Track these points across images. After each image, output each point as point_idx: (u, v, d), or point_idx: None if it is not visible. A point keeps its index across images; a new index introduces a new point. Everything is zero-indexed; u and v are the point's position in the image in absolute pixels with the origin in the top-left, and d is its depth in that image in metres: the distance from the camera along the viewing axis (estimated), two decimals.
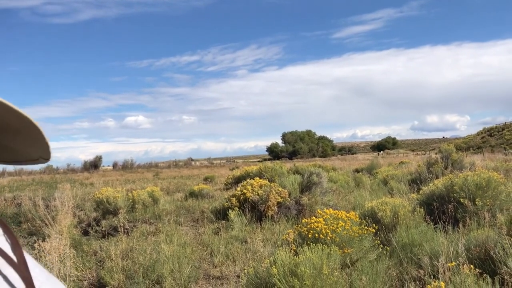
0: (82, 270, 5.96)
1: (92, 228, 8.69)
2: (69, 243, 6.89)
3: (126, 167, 47.84)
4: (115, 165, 49.21)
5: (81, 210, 11.05)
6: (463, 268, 3.83)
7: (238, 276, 5.50)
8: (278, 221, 8.60)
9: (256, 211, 9.07)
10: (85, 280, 5.71)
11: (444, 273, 3.96)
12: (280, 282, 3.99)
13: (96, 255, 6.73)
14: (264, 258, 5.21)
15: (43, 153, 0.69)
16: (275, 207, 9.00)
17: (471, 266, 3.87)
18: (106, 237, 8.05)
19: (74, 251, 6.69)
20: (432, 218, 6.31)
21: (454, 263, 4.04)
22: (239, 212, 8.87)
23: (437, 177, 10.13)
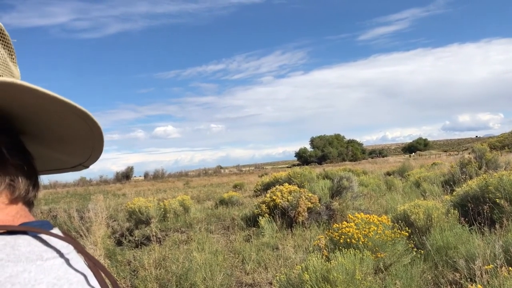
0: (117, 279, 6.05)
1: (125, 238, 8.83)
2: (103, 253, 7.02)
3: (157, 176, 48.45)
4: (146, 175, 49.89)
5: (114, 220, 11.24)
6: (502, 271, 3.72)
7: (271, 283, 5.49)
8: (309, 227, 8.54)
9: (286, 217, 9.04)
10: None
11: (482, 276, 3.86)
12: None
13: (130, 264, 6.83)
14: (296, 265, 5.19)
15: (87, 161, 0.72)
16: (306, 213, 8.95)
17: (510, 268, 3.76)
18: (139, 246, 8.16)
19: (109, 261, 6.82)
20: (467, 219, 6.16)
21: (491, 265, 3.93)
22: (270, 219, 8.85)
23: (471, 178, 9.88)
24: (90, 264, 0.59)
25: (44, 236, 0.56)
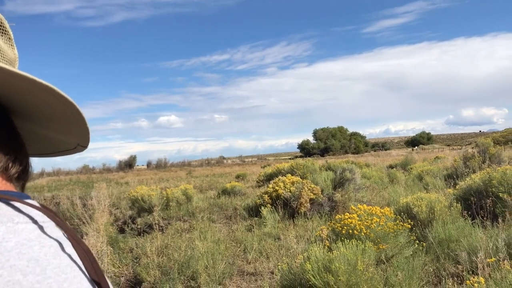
0: (119, 266, 6.09)
1: (128, 226, 8.87)
2: (106, 240, 7.04)
3: (160, 166, 48.51)
4: (149, 164, 49.98)
5: (117, 208, 11.27)
6: (504, 264, 3.72)
7: (272, 272, 5.51)
8: (311, 218, 8.55)
9: (288, 208, 9.06)
10: (122, 276, 5.83)
11: (484, 269, 3.86)
12: (314, 278, 3.98)
13: (132, 252, 6.86)
14: (298, 255, 5.20)
15: (81, 140, 0.71)
16: (308, 204, 8.96)
17: None
18: (142, 234, 8.19)
19: (111, 248, 6.84)
20: (469, 213, 6.15)
21: (494, 258, 3.93)
22: (272, 209, 8.87)
23: (474, 172, 9.86)
24: (69, 237, 0.59)
25: (16, 204, 0.57)
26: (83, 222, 7.76)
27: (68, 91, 0.55)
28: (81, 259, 0.58)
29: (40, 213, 0.59)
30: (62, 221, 0.61)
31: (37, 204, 0.61)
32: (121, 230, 8.96)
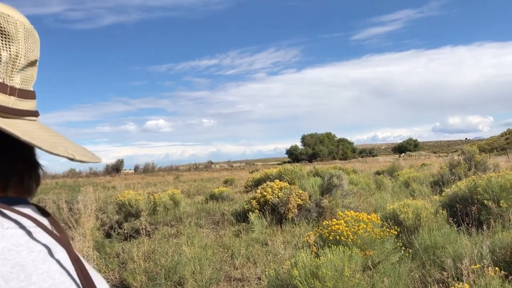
0: (105, 271, 6.04)
1: (114, 231, 8.80)
2: (92, 245, 6.99)
3: (147, 170, 48.23)
4: (136, 168, 49.66)
5: (104, 213, 11.18)
6: (488, 271, 3.77)
7: (259, 278, 5.51)
8: (298, 224, 8.57)
9: (276, 214, 9.07)
10: (108, 281, 5.78)
11: (468, 275, 3.90)
12: (301, 284, 3.99)
13: (118, 257, 6.81)
14: (285, 260, 5.21)
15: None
16: (296, 210, 8.98)
17: (496, 268, 3.81)
18: (128, 239, 8.14)
19: (97, 253, 6.79)
20: (455, 220, 6.22)
21: (478, 265, 3.97)
22: (260, 215, 8.87)
23: (460, 179, 9.96)
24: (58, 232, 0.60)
25: (4, 210, 0.56)
26: (69, 227, 7.69)
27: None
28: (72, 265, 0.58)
29: (29, 220, 0.58)
30: (51, 230, 0.60)
31: (28, 212, 0.60)
32: (108, 235, 8.89)
